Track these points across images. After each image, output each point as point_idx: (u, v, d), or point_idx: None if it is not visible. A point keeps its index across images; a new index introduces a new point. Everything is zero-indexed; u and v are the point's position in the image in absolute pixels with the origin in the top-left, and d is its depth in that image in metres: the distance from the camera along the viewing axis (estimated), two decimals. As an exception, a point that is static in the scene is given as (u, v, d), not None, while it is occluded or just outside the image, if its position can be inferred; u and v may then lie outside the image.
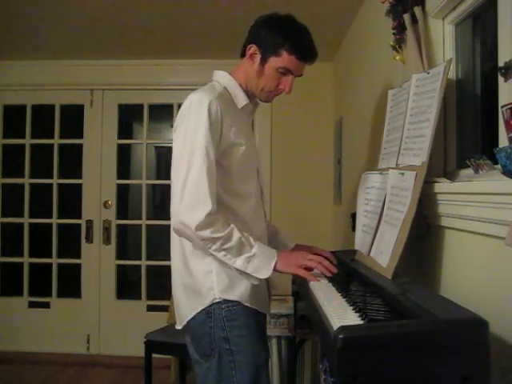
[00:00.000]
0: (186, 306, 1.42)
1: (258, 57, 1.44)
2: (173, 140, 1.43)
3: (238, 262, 1.32)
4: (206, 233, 1.28)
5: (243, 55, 1.51)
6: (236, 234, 1.31)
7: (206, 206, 1.28)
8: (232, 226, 1.32)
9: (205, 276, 1.38)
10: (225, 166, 1.38)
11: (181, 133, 1.35)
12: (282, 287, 2.91)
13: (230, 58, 3.30)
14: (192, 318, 1.40)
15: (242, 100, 1.48)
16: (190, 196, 1.28)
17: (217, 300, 1.36)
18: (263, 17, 1.49)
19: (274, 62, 1.43)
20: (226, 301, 1.37)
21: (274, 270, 1.35)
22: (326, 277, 1.45)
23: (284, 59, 1.42)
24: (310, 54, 1.46)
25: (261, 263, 1.33)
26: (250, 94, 1.50)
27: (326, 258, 1.50)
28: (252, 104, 1.54)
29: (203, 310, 1.38)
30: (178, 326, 1.48)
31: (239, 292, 1.38)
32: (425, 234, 1.39)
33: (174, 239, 1.46)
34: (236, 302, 1.37)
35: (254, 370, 1.38)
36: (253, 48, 1.44)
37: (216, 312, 1.36)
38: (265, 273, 1.34)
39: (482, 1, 1.29)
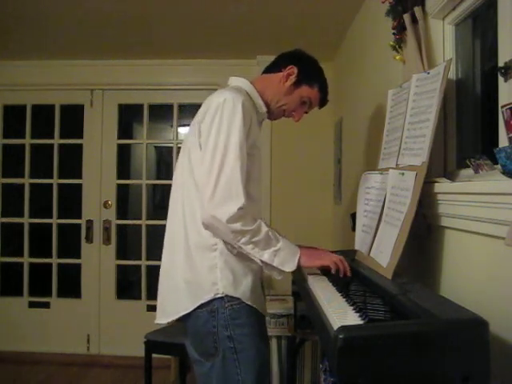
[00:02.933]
0: (183, 301, 1.41)
1: (293, 79, 1.56)
2: (191, 131, 1.48)
3: (266, 256, 1.36)
4: (237, 226, 1.31)
5: (268, 71, 1.62)
6: (264, 228, 1.36)
7: (239, 200, 1.31)
8: (259, 220, 1.37)
9: (209, 270, 1.38)
10: (248, 166, 1.40)
11: (214, 127, 1.37)
12: (282, 287, 2.91)
13: (229, 58, 3.33)
14: (193, 317, 1.39)
15: (262, 107, 1.57)
16: (223, 190, 1.32)
17: (219, 295, 1.37)
18: (303, 51, 1.64)
19: (305, 91, 1.58)
20: (228, 297, 1.37)
21: (298, 264, 1.40)
22: (326, 276, 1.45)
23: (313, 93, 1.60)
24: (326, 101, 1.67)
25: (287, 257, 1.38)
26: (266, 106, 1.58)
27: None
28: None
29: (205, 306, 1.37)
30: (163, 320, 1.47)
31: (242, 289, 1.39)
32: (425, 233, 1.39)
33: (177, 233, 1.45)
34: (238, 299, 1.38)
35: (258, 367, 1.39)
36: (293, 69, 1.56)
37: (220, 311, 1.37)
38: (290, 266, 1.39)
39: (482, 1, 1.29)
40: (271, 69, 1.62)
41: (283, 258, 1.37)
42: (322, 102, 1.65)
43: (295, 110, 1.61)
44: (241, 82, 1.57)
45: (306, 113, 1.66)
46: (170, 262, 1.48)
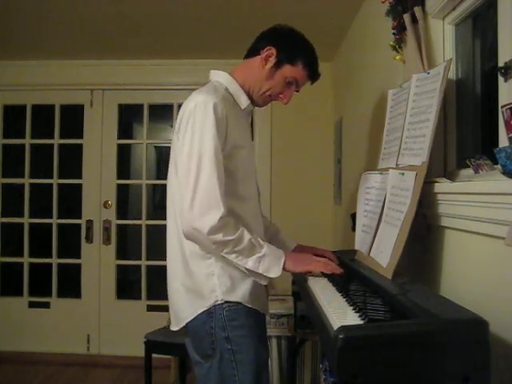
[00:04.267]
0: (186, 308, 1.41)
1: (273, 60, 1.45)
2: (173, 141, 1.43)
3: (250, 263, 1.32)
4: (219, 236, 1.28)
5: (248, 56, 1.51)
6: (247, 236, 1.32)
7: (218, 210, 1.28)
8: (242, 228, 1.33)
9: (206, 278, 1.38)
10: (230, 169, 1.36)
11: (187, 136, 1.33)
12: (282, 287, 2.91)
13: (229, 58, 3.32)
14: (192, 319, 1.39)
15: (244, 101, 1.48)
16: (202, 201, 1.28)
17: (219, 302, 1.36)
18: (283, 26, 1.50)
19: (287, 71, 1.46)
20: (228, 302, 1.37)
21: (283, 269, 1.36)
22: (326, 277, 1.45)
23: (297, 71, 1.46)
24: (317, 75, 1.53)
25: (271, 263, 1.34)
26: (249, 96, 1.50)
27: (328, 258, 1.51)
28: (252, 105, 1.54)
29: (204, 311, 1.37)
30: (175, 328, 1.47)
31: (241, 293, 1.38)
32: (425, 234, 1.39)
33: (172, 241, 1.45)
34: (238, 302, 1.38)
35: (255, 369, 1.38)
36: (271, 50, 1.45)
37: (217, 312, 1.36)
38: (275, 272, 1.35)
39: (482, 1, 1.29)
40: (251, 52, 1.51)
41: (268, 264, 1.34)
42: (312, 78, 1.52)
43: (282, 93, 1.49)
44: (220, 75, 1.49)
45: (297, 91, 1.53)
46: (172, 269, 1.48)
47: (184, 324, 1.42)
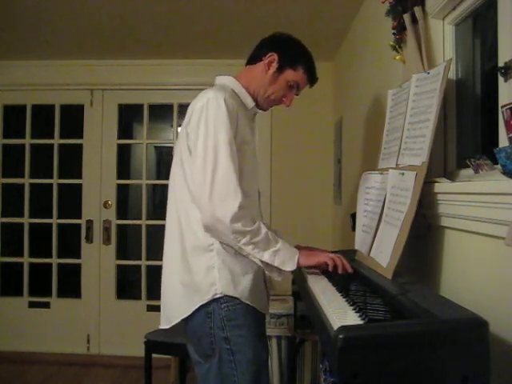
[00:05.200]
0: (181, 305, 1.41)
1: (275, 65, 1.52)
2: (181, 134, 1.46)
3: (266, 256, 1.36)
4: (239, 226, 1.32)
5: (250, 63, 1.58)
6: (263, 229, 1.36)
7: (237, 198, 1.32)
8: (258, 221, 1.37)
9: (206, 272, 1.38)
10: (239, 163, 1.39)
11: (201, 129, 1.37)
12: (282, 287, 2.91)
13: (230, 58, 3.33)
14: (191, 318, 1.39)
15: (249, 102, 1.54)
16: (220, 190, 1.32)
17: (218, 296, 1.37)
18: (282, 33, 1.58)
19: (290, 75, 1.53)
20: (226, 297, 1.37)
21: (297, 264, 1.40)
22: (326, 277, 1.45)
23: (298, 75, 1.54)
24: (316, 79, 1.61)
25: (286, 257, 1.39)
26: (254, 99, 1.55)
27: None
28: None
29: (202, 308, 1.37)
30: (165, 326, 1.47)
31: (240, 289, 1.39)
32: (425, 233, 1.39)
33: (173, 236, 1.46)
34: (236, 298, 1.38)
35: (254, 369, 1.39)
36: (273, 56, 1.52)
37: (216, 312, 1.37)
38: (291, 265, 1.39)
39: (482, 1, 1.29)
40: (253, 59, 1.58)
41: (283, 258, 1.37)
42: (311, 81, 1.60)
43: (284, 96, 1.57)
44: (225, 79, 1.56)
45: (297, 95, 1.61)
46: (169, 266, 1.48)
47: (176, 322, 1.42)
